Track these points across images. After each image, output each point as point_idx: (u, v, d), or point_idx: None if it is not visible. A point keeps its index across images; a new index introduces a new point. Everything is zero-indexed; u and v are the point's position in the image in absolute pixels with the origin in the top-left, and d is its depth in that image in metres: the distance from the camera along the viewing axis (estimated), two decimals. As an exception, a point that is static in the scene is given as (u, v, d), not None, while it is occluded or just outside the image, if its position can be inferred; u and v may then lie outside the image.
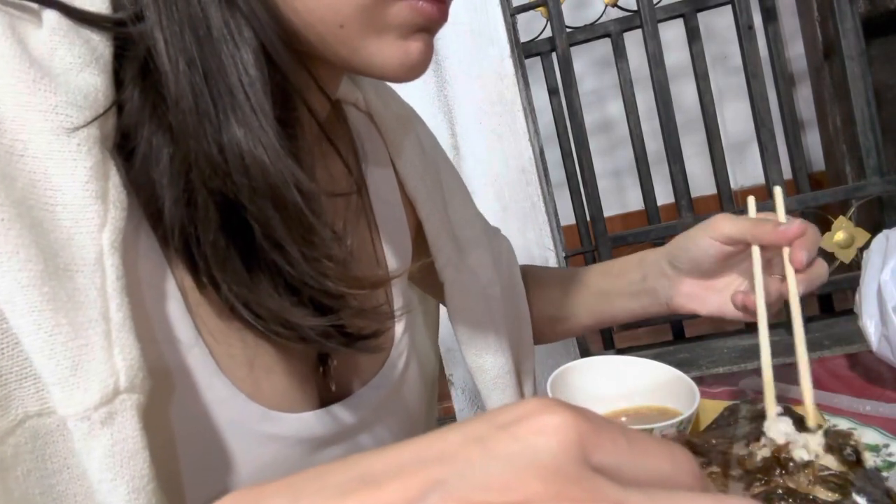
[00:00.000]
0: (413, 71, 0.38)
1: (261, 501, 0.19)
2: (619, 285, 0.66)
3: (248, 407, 0.37)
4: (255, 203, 0.34)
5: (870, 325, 0.70)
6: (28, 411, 0.28)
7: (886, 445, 0.58)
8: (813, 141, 1.91)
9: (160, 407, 0.34)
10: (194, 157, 0.33)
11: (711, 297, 0.60)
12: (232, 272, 0.35)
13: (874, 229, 0.86)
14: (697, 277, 0.60)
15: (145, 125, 0.33)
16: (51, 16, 0.31)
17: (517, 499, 0.17)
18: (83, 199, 0.29)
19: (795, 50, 1.87)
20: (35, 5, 0.31)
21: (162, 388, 0.34)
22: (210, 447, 0.36)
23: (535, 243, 1.07)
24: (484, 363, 0.59)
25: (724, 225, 0.55)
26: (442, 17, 0.38)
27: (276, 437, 0.39)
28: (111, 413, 0.28)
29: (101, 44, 0.32)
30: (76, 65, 0.31)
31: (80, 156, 0.29)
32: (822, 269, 0.53)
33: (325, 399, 0.44)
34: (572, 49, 1.09)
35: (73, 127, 0.29)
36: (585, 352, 1.13)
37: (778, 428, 0.44)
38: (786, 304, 0.54)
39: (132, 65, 0.33)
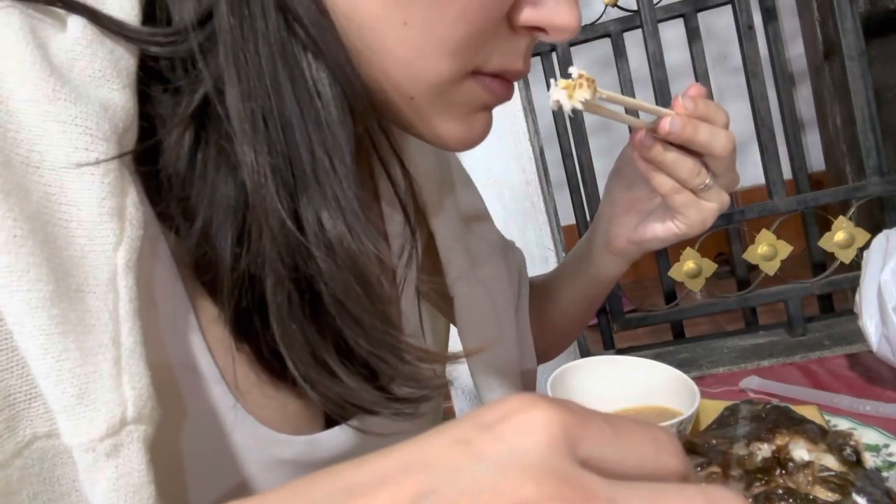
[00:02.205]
0: (471, 145, 0.39)
1: None
2: (569, 262, 0.67)
3: (258, 431, 0.37)
4: (335, 281, 0.33)
5: (870, 325, 0.70)
6: (37, 432, 0.27)
7: (886, 445, 0.58)
8: (813, 141, 1.91)
9: (170, 435, 0.33)
10: (267, 231, 0.32)
11: (641, 220, 0.58)
12: (301, 353, 0.34)
13: (874, 229, 0.86)
14: (628, 202, 0.58)
15: (202, 180, 0.32)
16: (76, 22, 0.30)
17: (510, 502, 0.16)
18: (99, 216, 0.28)
19: (795, 50, 1.87)
20: (61, 10, 0.30)
21: (173, 416, 0.32)
22: (220, 473, 0.35)
23: (535, 243, 1.07)
24: (492, 383, 0.56)
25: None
26: (508, 96, 0.39)
27: (285, 460, 0.38)
28: (117, 445, 0.27)
29: (125, 55, 0.31)
30: (96, 78, 0.29)
31: (97, 170, 0.28)
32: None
33: (333, 418, 0.43)
34: (572, 49, 1.09)
35: (93, 138, 0.28)
36: (585, 352, 1.13)
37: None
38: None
39: (177, 98, 0.32)
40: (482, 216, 0.63)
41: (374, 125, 0.38)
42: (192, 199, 0.33)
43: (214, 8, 0.31)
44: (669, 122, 0.48)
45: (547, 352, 0.71)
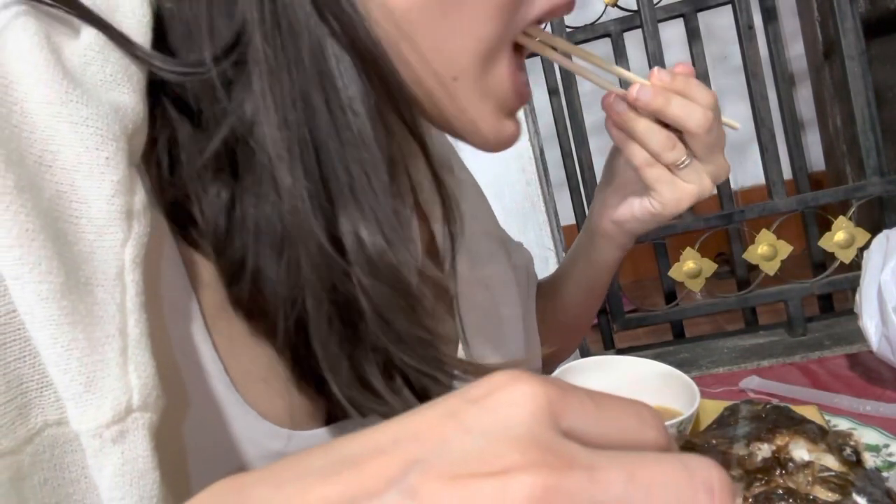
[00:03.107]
0: (503, 146, 0.42)
1: (244, 490, 0.20)
2: (576, 242, 0.67)
3: (261, 425, 0.37)
4: (378, 296, 0.33)
5: (870, 325, 0.70)
6: (48, 420, 0.28)
7: (886, 445, 0.58)
8: (813, 141, 1.91)
9: (174, 424, 0.33)
10: (305, 255, 0.32)
11: (623, 200, 0.57)
12: (344, 375, 0.35)
13: (874, 229, 0.86)
14: (617, 186, 0.59)
15: (241, 222, 0.33)
16: (89, 29, 0.31)
17: (495, 469, 0.17)
18: (108, 214, 0.29)
19: (795, 50, 1.87)
20: (76, 18, 0.31)
21: (177, 406, 0.33)
22: (221, 466, 0.36)
23: (535, 243, 1.07)
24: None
25: None
26: (528, 94, 0.41)
27: (287, 454, 0.38)
28: (122, 431, 0.28)
29: (135, 60, 0.32)
30: (107, 82, 0.30)
31: (107, 170, 0.29)
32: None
33: (337, 413, 0.43)
34: (572, 49, 1.09)
35: (103, 139, 0.29)
36: (585, 352, 1.13)
37: None
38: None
39: (197, 126, 0.33)
40: (486, 217, 0.63)
41: (408, 138, 0.38)
42: (234, 245, 0.34)
43: (245, 40, 0.32)
44: (638, 89, 0.48)
45: (551, 358, 0.71)
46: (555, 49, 0.47)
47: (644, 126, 0.49)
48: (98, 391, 0.27)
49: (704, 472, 0.18)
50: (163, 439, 0.29)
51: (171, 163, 0.34)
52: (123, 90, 0.31)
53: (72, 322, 0.27)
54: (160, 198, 0.34)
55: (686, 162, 0.50)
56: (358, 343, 0.35)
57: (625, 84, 0.52)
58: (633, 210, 0.56)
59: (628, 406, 0.20)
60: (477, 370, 0.39)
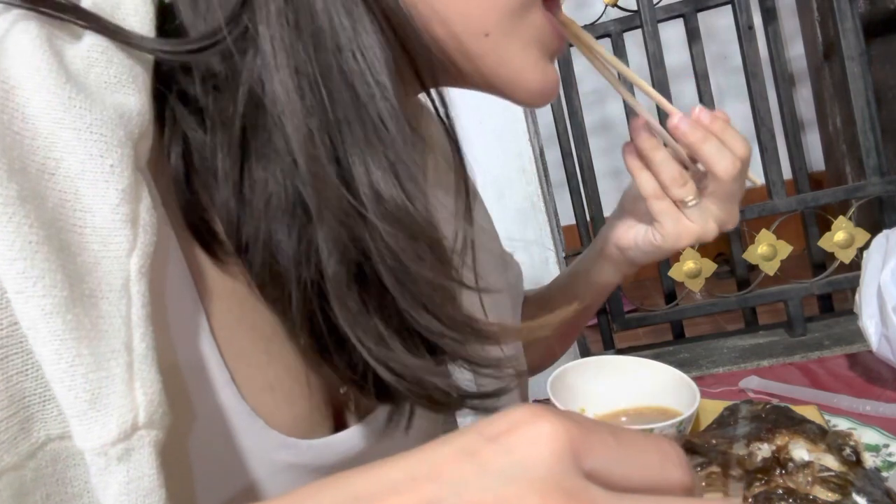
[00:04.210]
0: (550, 94, 0.39)
1: None
2: (577, 260, 0.68)
3: (267, 434, 0.36)
4: (396, 246, 0.32)
5: (870, 325, 0.70)
6: (50, 434, 0.27)
7: (886, 445, 0.58)
8: (813, 141, 1.91)
9: (179, 438, 0.33)
10: (325, 204, 0.32)
11: (631, 228, 0.59)
12: (367, 331, 0.34)
13: (874, 229, 0.86)
14: (631, 209, 0.60)
15: (252, 184, 0.32)
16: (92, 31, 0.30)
17: None
18: (113, 223, 0.28)
19: (795, 50, 1.87)
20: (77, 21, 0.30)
21: (182, 419, 0.33)
22: (228, 476, 0.35)
23: (535, 243, 1.07)
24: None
25: None
26: (563, 39, 0.40)
27: (294, 464, 0.38)
28: (128, 450, 0.27)
29: (139, 61, 0.31)
30: (111, 84, 0.30)
31: (112, 177, 0.28)
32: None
33: (345, 420, 0.42)
34: (572, 49, 1.09)
35: (107, 145, 0.28)
36: (585, 352, 1.13)
37: None
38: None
39: (221, 103, 0.32)
40: (486, 228, 0.63)
41: (428, 100, 0.38)
42: (244, 216, 0.33)
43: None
44: (679, 118, 0.48)
45: (533, 368, 0.72)
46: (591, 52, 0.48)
47: (662, 157, 0.50)
48: (103, 408, 0.26)
49: None
50: (168, 454, 0.29)
51: (185, 168, 0.33)
52: (128, 91, 0.30)
53: (76, 337, 0.26)
54: (168, 206, 0.34)
55: (694, 202, 0.51)
56: (379, 299, 0.34)
57: (661, 114, 0.53)
58: (637, 238, 0.58)
59: (652, 444, 0.20)
60: (499, 331, 0.37)
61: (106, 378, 0.27)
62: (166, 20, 0.33)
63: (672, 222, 0.52)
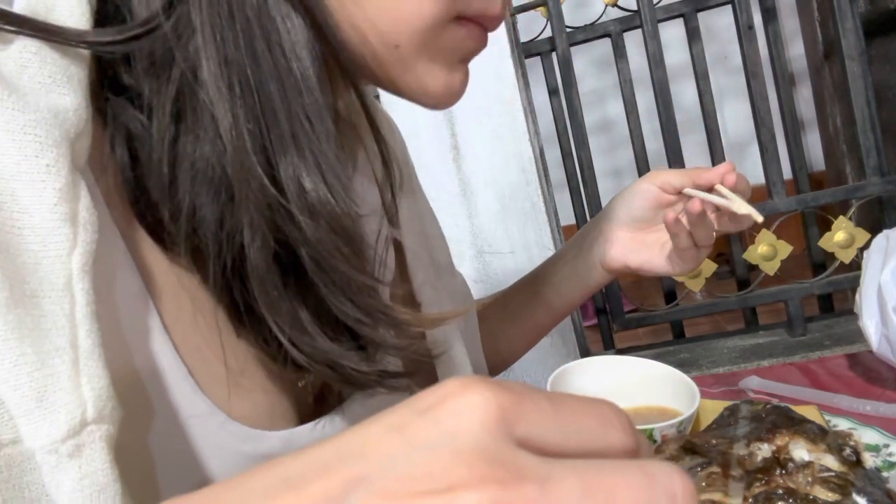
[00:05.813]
0: (454, 99, 0.40)
1: None
2: (558, 266, 0.70)
3: (229, 427, 0.37)
4: (318, 242, 0.33)
5: (870, 325, 0.70)
6: (1, 440, 0.27)
7: (886, 445, 0.58)
8: (813, 141, 1.91)
9: (138, 435, 0.33)
10: (248, 195, 0.32)
11: (641, 250, 0.65)
12: (283, 313, 0.34)
13: (874, 229, 0.86)
14: (630, 228, 0.65)
15: (182, 158, 0.32)
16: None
17: (441, 486, 0.16)
18: (52, 222, 0.28)
19: (795, 50, 1.87)
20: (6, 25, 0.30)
21: (140, 416, 0.33)
22: (191, 472, 0.35)
23: (535, 243, 1.07)
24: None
25: (662, 173, 0.64)
26: (484, 43, 0.40)
27: (258, 456, 0.38)
28: (79, 445, 0.27)
29: (76, 60, 0.31)
30: (46, 84, 0.29)
31: (48, 177, 0.28)
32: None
33: (310, 412, 0.42)
34: (572, 49, 1.09)
35: (42, 145, 0.28)
36: (585, 352, 1.13)
37: None
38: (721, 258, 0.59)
39: (157, 85, 0.32)
40: (438, 228, 0.64)
41: (351, 95, 0.38)
42: (174, 185, 0.33)
43: None
44: (755, 215, 0.56)
45: (499, 364, 0.73)
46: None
47: (704, 231, 0.60)
48: (50, 406, 0.26)
49: (666, 480, 0.17)
50: (126, 451, 0.29)
51: (131, 160, 0.33)
52: (63, 91, 0.30)
53: (19, 336, 0.26)
54: (114, 204, 0.34)
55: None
56: (296, 286, 0.35)
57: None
58: (652, 263, 0.65)
59: (590, 407, 0.19)
60: (415, 320, 0.38)
61: (51, 376, 0.27)
62: (107, 17, 0.33)
63: (694, 260, 0.63)
